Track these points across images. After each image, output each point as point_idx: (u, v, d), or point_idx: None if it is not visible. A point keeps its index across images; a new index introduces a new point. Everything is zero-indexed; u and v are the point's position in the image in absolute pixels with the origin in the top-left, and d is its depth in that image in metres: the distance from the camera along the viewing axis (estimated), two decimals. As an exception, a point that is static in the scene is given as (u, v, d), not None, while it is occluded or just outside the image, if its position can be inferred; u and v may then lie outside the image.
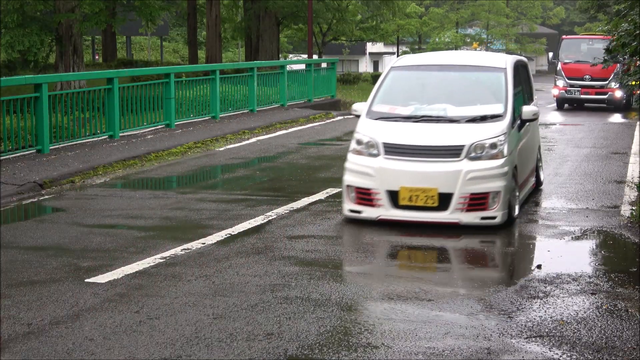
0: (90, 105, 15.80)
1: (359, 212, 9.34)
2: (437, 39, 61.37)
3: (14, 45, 23.63)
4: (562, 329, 6.09)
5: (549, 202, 11.10)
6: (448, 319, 6.29)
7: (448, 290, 7.12)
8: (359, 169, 9.35)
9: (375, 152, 9.34)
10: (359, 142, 9.53)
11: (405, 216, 9.08)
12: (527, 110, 10.01)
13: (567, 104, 31.23)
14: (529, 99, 11.16)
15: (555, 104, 31.03)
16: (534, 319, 6.30)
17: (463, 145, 9.10)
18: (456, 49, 64.19)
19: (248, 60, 36.24)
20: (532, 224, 9.77)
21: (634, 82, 11.33)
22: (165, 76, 18.46)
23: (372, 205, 9.22)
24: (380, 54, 79.28)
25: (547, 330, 6.06)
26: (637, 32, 10.82)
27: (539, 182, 11.77)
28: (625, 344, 5.79)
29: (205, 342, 5.75)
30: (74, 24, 23.09)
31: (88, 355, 5.54)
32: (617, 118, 25.89)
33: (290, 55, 60.69)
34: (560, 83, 30.80)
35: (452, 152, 9.10)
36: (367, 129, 9.63)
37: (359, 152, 9.47)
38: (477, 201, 8.95)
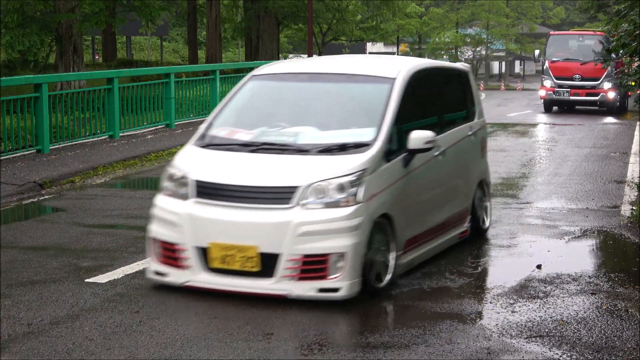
0: (90, 105, 15.80)
1: (163, 274, 6.95)
2: (437, 39, 61.39)
3: (14, 45, 23.62)
4: (562, 329, 6.09)
5: (549, 202, 11.11)
6: (448, 319, 6.29)
7: (448, 289, 7.11)
8: (164, 216, 7.00)
9: (185, 192, 6.94)
10: (170, 178, 7.12)
11: (218, 284, 6.68)
12: (416, 137, 7.22)
13: (556, 106, 28.78)
14: (465, 119, 8.83)
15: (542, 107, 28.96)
16: (534, 319, 6.30)
17: (296, 187, 6.61)
18: (456, 49, 64.32)
19: (248, 60, 36.24)
20: (532, 224, 9.77)
21: (633, 83, 11.33)
22: (165, 76, 18.47)
23: (179, 267, 6.84)
24: (380, 54, 79.27)
25: (547, 330, 6.06)
26: (637, 32, 10.82)
27: (478, 228, 8.92)
28: (625, 344, 5.79)
29: (205, 342, 5.75)
30: (74, 24, 23.08)
31: (88, 355, 5.54)
32: (611, 120, 25.05)
33: (290, 55, 60.69)
34: (548, 83, 28.15)
35: (280, 196, 6.65)
36: (185, 161, 7.23)
37: (169, 193, 7.08)
38: (312, 266, 6.48)
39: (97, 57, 52.12)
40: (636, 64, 12.27)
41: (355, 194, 6.65)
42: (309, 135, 7.15)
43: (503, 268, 7.88)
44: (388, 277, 6.96)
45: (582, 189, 12.08)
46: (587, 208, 10.64)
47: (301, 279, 6.50)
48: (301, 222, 6.51)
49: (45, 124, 14.15)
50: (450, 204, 8.28)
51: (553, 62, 28.39)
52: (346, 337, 5.93)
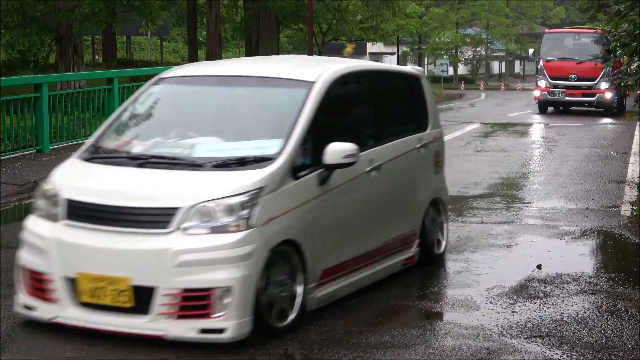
0: (90, 105, 15.81)
1: (31, 308, 5.98)
2: (437, 39, 61.41)
3: (14, 45, 23.65)
4: (562, 329, 6.09)
5: (549, 202, 11.11)
6: (448, 319, 6.29)
7: (448, 289, 7.12)
8: (33, 241, 6.05)
9: (56, 213, 5.98)
10: (42, 196, 6.13)
11: (87, 321, 5.70)
12: (333, 150, 6.17)
13: (552, 107, 27.90)
14: (414, 130, 7.74)
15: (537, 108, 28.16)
16: (534, 319, 6.30)
17: (177, 208, 5.64)
18: (456, 49, 64.35)
19: (248, 60, 36.12)
20: (532, 224, 9.77)
21: (632, 83, 11.32)
22: (165, 76, 18.42)
23: (47, 300, 5.87)
24: (381, 54, 79.33)
25: (547, 330, 6.06)
26: (637, 32, 10.82)
27: (430, 254, 7.83)
28: (625, 344, 5.80)
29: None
30: (74, 24, 23.07)
31: (88, 355, 5.53)
32: (610, 121, 24.72)
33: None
34: (543, 83, 27.13)
35: (158, 218, 5.67)
36: (62, 176, 6.24)
37: (42, 213, 6.10)
38: (193, 302, 5.54)
39: (97, 57, 52.12)
40: (636, 64, 12.27)
41: (247, 217, 5.62)
42: (207, 147, 6.16)
43: (503, 268, 7.88)
44: (293, 315, 5.92)
45: (582, 189, 12.08)
46: (587, 208, 10.64)
47: (180, 317, 5.51)
48: (180, 250, 5.52)
49: (45, 124, 14.15)
50: (390, 226, 7.18)
51: (548, 61, 27.51)
52: (346, 337, 5.93)
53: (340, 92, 6.78)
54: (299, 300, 6.00)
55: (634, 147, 16.80)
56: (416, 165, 7.68)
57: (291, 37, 50.13)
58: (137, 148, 6.36)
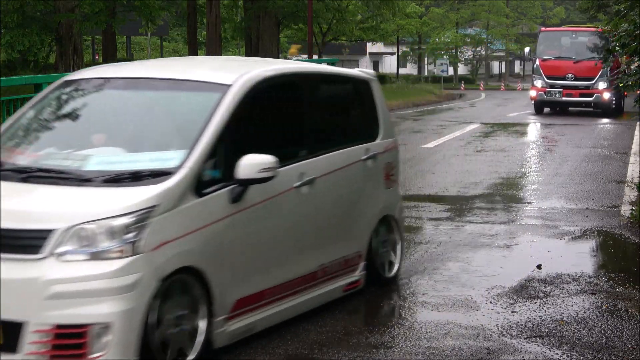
0: (90, 105, 15.77)
1: None
2: (437, 39, 61.45)
3: (14, 45, 23.65)
4: (562, 329, 6.09)
5: (549, 202, 11.11)
6: (448, 319, 6.30)
7: (448, 289, 7.12)
8: None
9: None
10: None
11: None
12: (248, 163, 5.40)
13: (548, 108, 27.22)
14: (360, 140, 6.93)
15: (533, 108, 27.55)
16: (534, 319, 6.30)
17: (51, 231, 4.85)
18: (456, 49, 64.37)
19: (248, 60, 36.15)
20: (532, 224, 9.77)
21: (632, 83, 11.32)
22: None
23: None
24: (380, 54, 79.34)
25: (547, 330, 6.06)
26: (637, 32, 10.82)
27: (379, 277, 7.04)
28: (625, 344, 5.80)
29: (206, 342, 5.74)
30: (74, 24, 23.09)
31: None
32: (609, 121, 24.48)
33: (289, 56, 60.71)
34: (539, 83, 26.39)
35: (29, 242, 4.88)
36: None
37: None
38: (67, 340, 4.75)
39: (97, 57, 52.14)
40: (636, 64, 12.28)
41: (133, 241, 4.84)
42: (101, 159, 5.39)
43: (503, 268, 7.88)
44: (193, 355, 5.16)
45: (582, 189, 12.08)
46: (587, 208, 10.64)
47: (54, 357, 4.72)
48: (52, 280, 4.73)
49: (45, 124, 14.14)
50: (327, 248, 6.40)
51: (544, 60, 26.65)
52: (346, 337, 5.93)
53: (264, 97, 5.99)
54: (201, 337, 5.21)
55: (634, 147, 16.81)
56: (362, 179, 6.86)
57: (291, 37, 50.17)
58: (26, 159, 5.55)
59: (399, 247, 7.37)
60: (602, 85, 25.72)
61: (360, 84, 7.20)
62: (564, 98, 26.01)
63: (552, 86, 26.05)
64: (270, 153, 5.52)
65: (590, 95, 25.79)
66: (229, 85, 5.71)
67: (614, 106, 26.42)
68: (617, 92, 26.24)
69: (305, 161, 6.17)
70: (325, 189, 6.33)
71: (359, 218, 6.79)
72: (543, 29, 29.93)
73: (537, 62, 26.85)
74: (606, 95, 25.70)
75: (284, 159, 5.83)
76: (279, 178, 5.67)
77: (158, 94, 6.03)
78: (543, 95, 26.27)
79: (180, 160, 5.23)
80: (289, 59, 19.18)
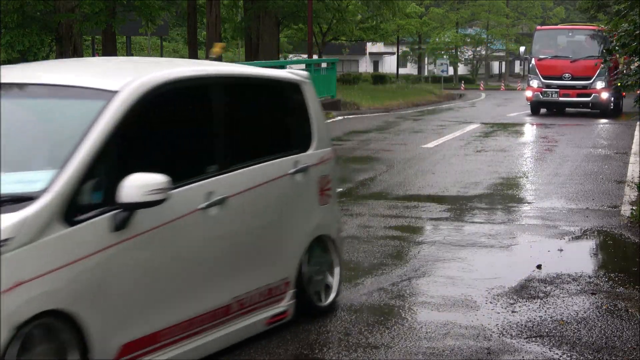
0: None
1: None
2: (437, 39, 61.48)
3: (14, 45, 23.65)
4: (562, 329, 6.09)
5: (549, 202, 11.11)
6: (448, 319, 6.30)
7: (448, 289, 7.12)
8: None
9: None
10: None
11: None
12: (133, 184, 4.54)
13: (545, 109, 26.60)
14: (288, 151, 6.08)
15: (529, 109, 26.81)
16: (534, 319, 6.30)
17: None
18: (456, 49, 64.38)
19: (248, 60, 36.25)
20: (532, 224, 9.77)
21: (632, 83, 11.31)
22: (165, 76, 18.41)
23: None
24: (380, 54, 79.36)
25: (547, 330, 6.06)
26: (637, 32, 10.83)
27: (311, 306, 6.19)
28: (625, 344, 5.80)
29: (205, 342, 5.73)
30: (74, 24, 23.09)
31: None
32: (609, 121, 24.23)
33: (290, 55, 60.75)
34: (535, 83, 25.74)
35: None
36: None
37: None
38: None
39: (97, 57, 52.10)
40: (636, 64, 12.27)
41: None
42: None
43: (503, 268, 7.88)
44: None
45: (582, 189, 12.08)
46: (587, 208, 10.64)
47: None
48: None
49: (45, 124, 14.13)
50: (243, 277, 5.54)
51: (540, 59, 25.88)
52: (346, 337, 5.93)
53: (160, 106, 5.08)
54: None
55: (634, 147, 16.81)
56: (289, 195, 6.00)
57: (291, 37, 50.19)
58: None
59: (336, 271, 6.48)
60: (600, 84, 25.00)
61: (289, 87, 6.30)
62: (560, 98, 25.34)
63: (548, 86, 25.40)
64: (167, 170, 4.69)
65: (588, 95, 25.13)
66: (114, 92, 4.78)
67: (612, 106, 25.75)
68: (616, 92, 25.76)
69: (214, 178, 5.27)
70: (241, 209, 5.47)
71: (285, 240, 5.94)
72: (539, 27, 29.00)
73: (533, 61, 26.17)
74: (604, 95, 25.00)
75: (186, 176, 5.07)
76: (179, 199, 4.89)
77: (35, 102, 5.06)
78: (539, 96, 25.62)
79: (47, 183, 4.35)
80: (211, 58, 18.68)
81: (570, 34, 26.58)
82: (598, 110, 25.19)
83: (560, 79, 25.20)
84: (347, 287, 7.02)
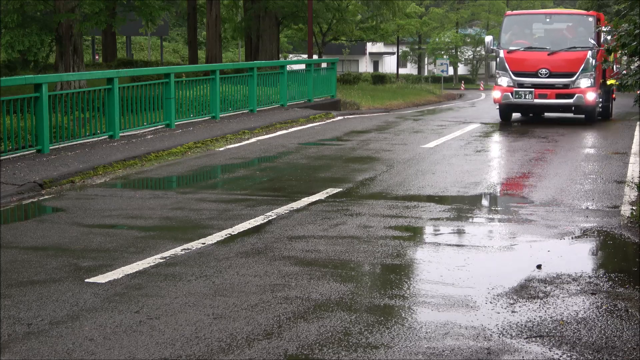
0: (90, 105, 15.80)
1: None
2: (437, 39, 61.48)
3: (14, 45, 23.66)
4: (562, 329, 6.09)
5: (549, 202, 11.10)
6: (448, 319, 6.30)
7: (448, 290, 7.12)
8: None
9: None
10: None
11: None
12: None
13: (518, 113, 22.10)
14: None
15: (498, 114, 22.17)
16: (534, 319, 6.30)
17: None
18: (456, 49, 64.36)
19: (248, 60, 36.25)
20: (532, 224, 9.77)
21: (633, 82, 11.30)
22: (165, 76, 18.46)
23: None
24: (380, 54, 79.34)
25: (547, 330, 6.06)
26: (637, 32, 10.82)
27: None
28: (625, 344, 5.80)
29: (205, 342, 5.75)
30: (74, 24, 23.10)
31: (88, 355, 5.54)
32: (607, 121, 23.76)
33: (290, 55, 60.76)
34: (504, 81, 20.87)
35: None
36: None
37: None
38: None
39: (97, 57, 52.13)
40: (636, 64, 12.26)
41: None
42: None
43: (503, 268, 7.88)
44: None
45: (582, 189, 12.07)
46: (587, 208, 10.64)
47: None
48: None
49: (45, 124, 14.15)
50: None
51: (510, 52, 21.07)
52: (346, 337, 5.93)
53: None
54: None
55: (634, 147, 16.79)
56: None
57: (291, 37, 50.18)
58: None
59: None
60: (585, 82, 20.36)
61: None
62: (536, 100, 20.44)
63: (520, 85, 20.60)
64: None
65: (570, 96, 20.38)
66: None
67: (600, 109, 21.75)
68: (606, 91, 22.38)
69: None
70: None
71: None
72: (509, 12, 22.98)
73: (502, 53, 21.16)
74: (590, 96, 20.35)
75: None
76: None
77: None
78: (509, 97, 20.66)
79: None
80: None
81: (548, 19, 21.75)
82: (582, 116, 21.13)
83: (536, 75, 20.52)
84: (347, 287, 7.02)
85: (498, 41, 21.77)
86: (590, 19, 21.79)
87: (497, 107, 21.59)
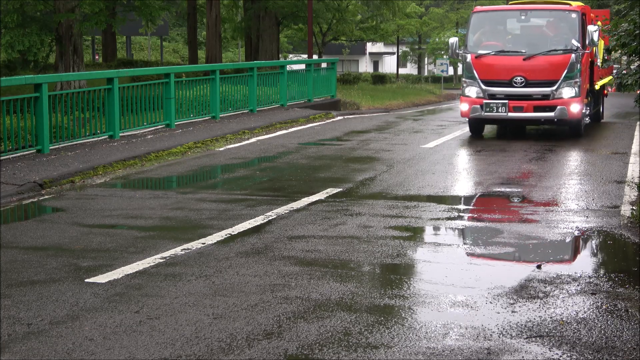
0: (90, 105, 15.80)
1: None
2: (437, 39, 61.47)
3: (14, 45, 23.64)
4: (562, 329, 6.09)
5: (549, 202, 11.10)
6: (448, 319, 6.29)
7: (448, 289, 7.12)
8: None
9: None
10: None
11: None
12: None
13: (492, 125, 19.14)
14: None
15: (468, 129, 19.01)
16: (534, 319, 6.30)
17: None
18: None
19: (248, 60, 36.25)
20: (532, 224, 9.77)
21: (633, 82, 11.31)
22: (165, 76, 18.47)
23: None
24: (380, 54, 79.34)
25: (547, 330, 6.06)
26: (637, 32, 10.83)
27: None
28: (625, 344, 5.80)
29: (205, 342, 5.75)
30: (74, 24, 23.09)
31: (88, 355, 5.54)
32: (610, 120, 23.96)
33: (290, 55, 60.76)
34: (472, 92, 17.58)
35: None
36: None
37: None
38: None
39: (97, 57, 52.13)
40: (636, 64, 12.28)
41: None
42: None
43: (503, 268, 7.88)
44: None
45: (582, 189, 12.07)
46: (587, 208, 10.64)
47: None
48: None
49: (45, 124, 14.15)
50: None
51: (479, 56, 17.62)
52: (346, 337, 5.93)
53: None
54: None
55: (634, 147, 16.79)
56: None
57: (291, 37, 50.17)
58: None
59: None
60: (568, 92, 17.25)
61: None
62: (510, 114, 17.23)
63: (491, 96, 17.39)
64: None
65: (551, 108, 17.27)
66: None
67: (588, 121, 19.12)
68: (595, 95, 20.19)
69: None
70: None
71: None
72: (477, 8, 19.01)
73: (469, 58, 17.75)
74: (574, 108, 17.25)
75: None
76: None
77: None
78: (479, 110, 17.41)
79: None
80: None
81: (523, 16, 18.20)
82: (567, 127, 18.23)
83: (509, 84, 17.26)
84: (347, 287, 7.02)
85: (465, 43, 18.20)
86: (574, 14, 17.90)
87: (467, 121, 18.67)
